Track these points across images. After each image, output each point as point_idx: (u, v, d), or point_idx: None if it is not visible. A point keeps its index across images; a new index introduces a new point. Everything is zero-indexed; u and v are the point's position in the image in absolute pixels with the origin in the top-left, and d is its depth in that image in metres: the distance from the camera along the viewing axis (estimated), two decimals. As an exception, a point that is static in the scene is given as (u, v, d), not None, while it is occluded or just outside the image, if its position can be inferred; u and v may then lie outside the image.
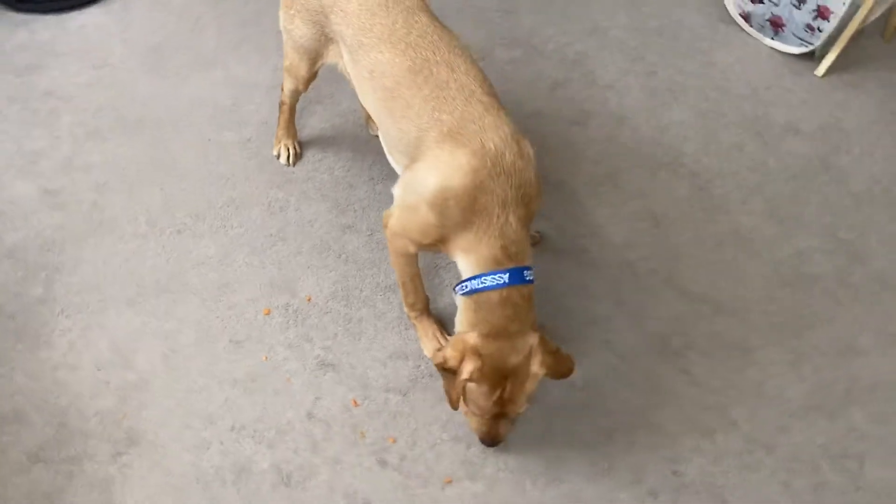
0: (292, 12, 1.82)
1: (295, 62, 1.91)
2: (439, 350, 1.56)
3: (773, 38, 2.62)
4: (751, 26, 2.66)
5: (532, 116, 2.36)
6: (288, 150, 2.15)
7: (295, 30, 1.83)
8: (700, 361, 1.91)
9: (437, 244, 1.59)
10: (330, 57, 1.83)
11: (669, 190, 2.24)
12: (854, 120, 2.43)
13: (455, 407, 1.57)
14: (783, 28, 2.58)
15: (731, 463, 1.76)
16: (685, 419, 1.82)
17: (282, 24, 1.87)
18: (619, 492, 1.70)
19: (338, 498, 1.65)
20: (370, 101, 1.71)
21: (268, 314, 1.90)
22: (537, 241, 2.06)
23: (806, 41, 2.54)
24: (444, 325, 1.87)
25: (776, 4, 2.55)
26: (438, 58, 1.59)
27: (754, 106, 2.46)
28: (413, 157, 1.61)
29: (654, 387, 1.86)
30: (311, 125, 2.26)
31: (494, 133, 1.52)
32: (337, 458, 1.70)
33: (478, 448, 1.72)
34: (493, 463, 1.71)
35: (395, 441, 1.73)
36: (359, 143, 2.23)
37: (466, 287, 1.54)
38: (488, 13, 2.63)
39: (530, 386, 1.54)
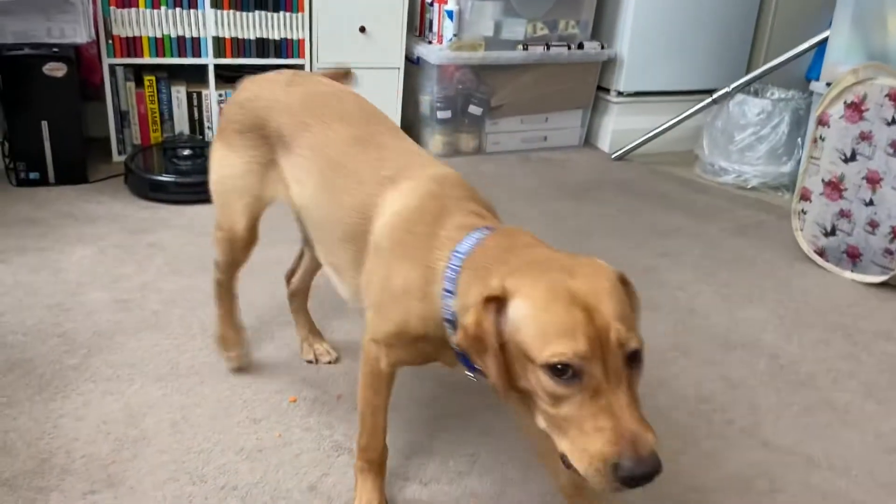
0: (224, 151, 1.59)
1: (229, 217, 1.61)
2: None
3: (852, 271, 2.58)
4: (827, 261, 2.65)
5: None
6: (235, 353, 1.84)
7: (230, 169, 1.58)
8: (792, 505, 1.56)
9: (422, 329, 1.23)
10: (270, 186, 1.56)
11: (747, 363, 2.05)
12: (955, 334, 2.25)
13: (503, 385, 1.03)
14: (860, 258, 2.56)
15: None
16: (775, 555, 1.42)
17: (213, 179, 1.63)
18: None
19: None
20: (308, 188, 1.46)
21: (294, 402, 1.76)
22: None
23: (887, 267, 2.49)
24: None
25: (849, 234, 2.58)
26: (384, 128, 1.48)
27: (839, 317, 2.34)
28: (358, 246, 1.35)
29: (734, 520, 1.51)
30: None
31: (438, 168, 1.36)
32: (333, 532, 1.41)
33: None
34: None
35: (405, 524, 1.43)
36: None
37: (457, 261, 1.16)
38: (563, 237, 2.78)
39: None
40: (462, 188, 1.32)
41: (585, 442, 0.95)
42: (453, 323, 1.15)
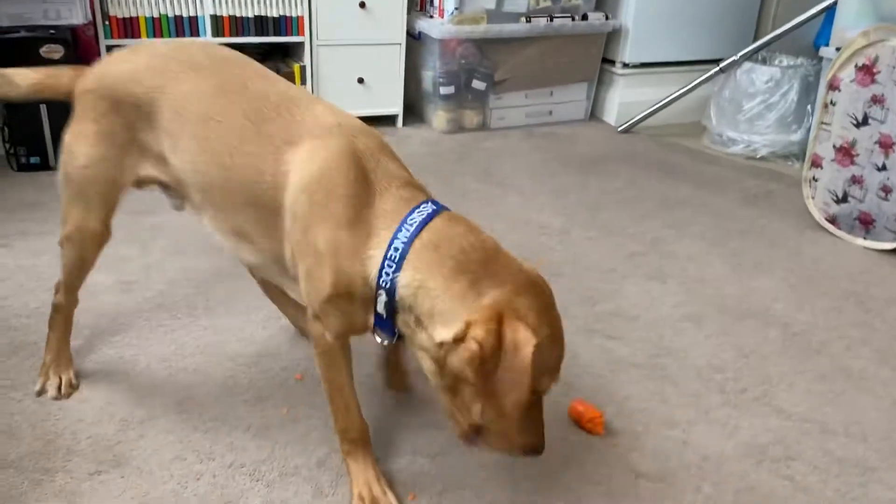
0: (78, 141, 1.44)
1: (81, 210, 1.49)
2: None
3: (865, 238, 2.54)
4: (839, 229, 2.61)
5: (608, 273, 2.29)
6: (60, 379, 1.65)
7: (85, 159, 1.44)
8: (807, 471, 1.53)
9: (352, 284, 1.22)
10: (132, 168, 1.46)
11: (758, 332, 2.02)
12: (970, 299, 2.21)
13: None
14: (873, 224, 2.52)
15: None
16: (792, 523, 1.40)
17: (63, 172, 1.49)
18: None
19: (333, 546, 1.31)
20: (186, 153, 1.35)
21: (299, 379, 1.74)
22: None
23: (900, 233, 2.45)
24: (390, 482, 1.44)
25: (861, 200, 2.53)
26: (250, 72, 1.37)
27: (851, 284, 2.30)
28: (269, 209, 1.28)
29: (749, 488, 1.48)
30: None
31: (334, 116, 1.29)
32: (342, 508, 1.39)
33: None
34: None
35: (415, 498, 1.41)
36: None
37: (395, 256, 1.17)
38: (571, 211, 2.75)
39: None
40: (371, 137, 1.27)
41: (528, 436, 1.21)
42: (390, 293, 1.18)
